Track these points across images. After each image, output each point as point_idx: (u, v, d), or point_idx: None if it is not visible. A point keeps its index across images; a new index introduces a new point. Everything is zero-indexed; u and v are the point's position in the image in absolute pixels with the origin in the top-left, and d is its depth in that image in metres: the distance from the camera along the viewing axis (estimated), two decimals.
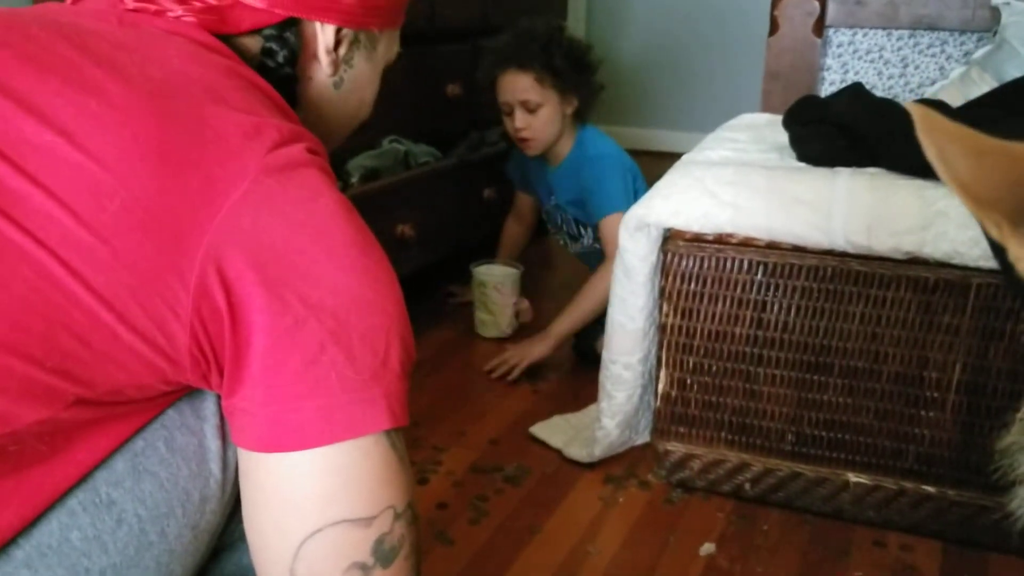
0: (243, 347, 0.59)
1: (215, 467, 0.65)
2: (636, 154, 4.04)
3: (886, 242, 1.29)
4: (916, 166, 1.34)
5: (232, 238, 0.58)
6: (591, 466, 1.58)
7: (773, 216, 1.34)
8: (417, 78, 2.13)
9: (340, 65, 0.79)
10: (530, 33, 1.97)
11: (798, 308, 1.37)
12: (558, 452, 1.62)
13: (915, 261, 1.30)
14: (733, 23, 3.93)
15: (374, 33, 0.80)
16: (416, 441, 1.65)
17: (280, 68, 0.74)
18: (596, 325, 1.90)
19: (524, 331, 2.15)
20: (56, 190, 0.56)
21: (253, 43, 0.73)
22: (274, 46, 0.73)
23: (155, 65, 0.62)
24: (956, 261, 1.27)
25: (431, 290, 2.33)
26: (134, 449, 0.62)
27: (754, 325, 1.40)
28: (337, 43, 0.77)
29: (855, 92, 1.46)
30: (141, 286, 0.57)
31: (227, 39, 0.71)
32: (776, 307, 1.38)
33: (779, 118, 1.71)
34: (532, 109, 1.94)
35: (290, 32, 0.74)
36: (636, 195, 2.01)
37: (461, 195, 2.24)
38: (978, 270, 1.27)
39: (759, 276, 1.38)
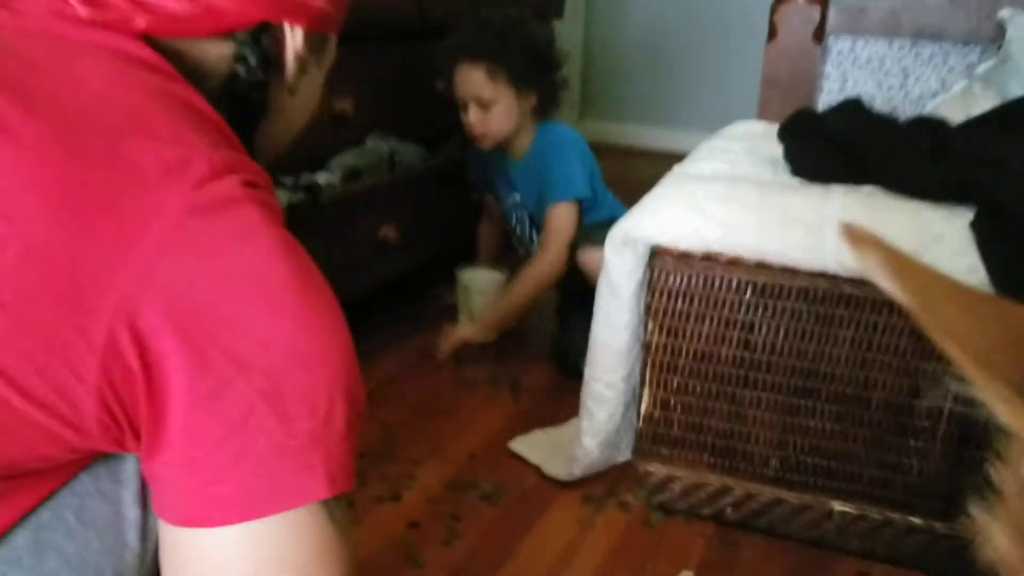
0: (160, 411, 0.53)
1: (133, 538, 0.59)
2: (632, 152, 4.04)
3: None
4: (913, 186, 1.29)
5: (147, 289, 0.52)
6: (570, 484, 1.53)
7: (764, 235, 1.29)
8: (405, 74, 2.07)
9: (298, 69, 0.74)
10: (486, 25, 1.90)
11: (787, 330, 1.32)
12: (537, 468, 1.57)
13: None
14: (733, 20, 3.87)
15: (327, 37, 0.76)
16: (392, 453, 1.60)
17: (252, 73, 0.70)
18: (581, 341, 1.85)
19: (508, 337, 2.10)
20: None
21: (220, 48, 0.68)
22: (247, 51, 0.69)
23: (70, 89, 0.56)
24: None
25: (416, 292, 2.28)
26: (39, 521, 0.56)
27: (741, 346, 1.35)
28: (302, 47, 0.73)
29: (853, 107, 1.41)
30: (39, 351, 0.51)
31: (190, 43, 0.66)
32: (764, 328, 1.33)
33: (775, 127, 1.66)
34: (485, 105, 1.88)
35: (264, 36, 0.69)
36: (595, 195, 1.98)
37: (447, 196, 2.19)
38: None
39: (748, 296, 1.33)
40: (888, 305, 1.26)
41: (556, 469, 1.54)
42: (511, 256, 2.22)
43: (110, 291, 0.51)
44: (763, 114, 1.79)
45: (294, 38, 0.71)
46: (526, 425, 1.72)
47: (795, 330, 1.32)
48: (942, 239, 1.22)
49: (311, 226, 1.71)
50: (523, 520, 1.44)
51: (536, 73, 1.89)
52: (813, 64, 1.75)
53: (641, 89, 4.12)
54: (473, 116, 1.89)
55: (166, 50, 0.65)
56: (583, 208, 1.94)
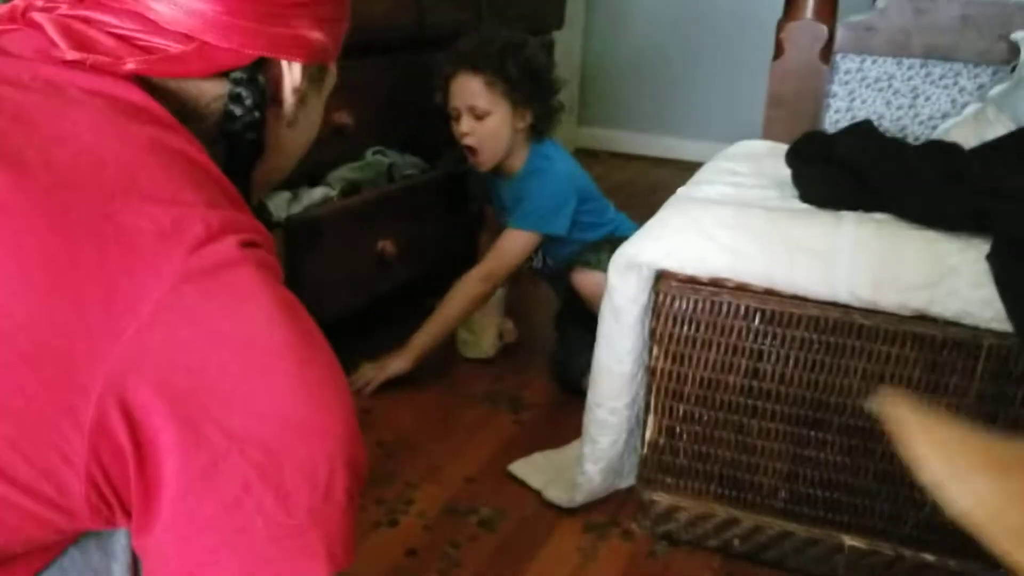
0: (152, 488, 0.50)
1: None
2: (633, 159, 4.02)
3: (893, 298, 1.21)
4: (927, 215, 1.26)
5: (138, 363, 0.49)
6: (571, 511, 1.49)
7: (773, 264, 1.25)
8: (405, 86, 2.04)
9: (297, 102, 0.71)
10: (489, 37, 1.88)
11: (796, 360, 1.29)
12: (537, 493, 1.54)
13: (923, 318, 1.22)
14: (732, 29, 3.85)
15: (325, 66, 0.73)
16: (389, 475, 1.57)
17: (249, 112, 0.66)
18: (582, 359, 1.82)
19: (508, 352, 2.07)
20: None
21: (215, 87, 0.65)
22: (243, 91, 0.65)
23: (61, 145, 0.53)
24: (967, 321, 1.19)
25: (414, 303, 2.24)
26: None
27: (749, 375, 1.32)
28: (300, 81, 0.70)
29: (864, 131, 1.38)
30: (24, 434, 0.48)
31: (184, 83, 0.63)
32: (773, 357, 1.30)
33: (781, 147, 1.63)
34: (479, 116, 1.85)
35: (260, 74, 0.66)
36: (588, 214, 1.94)
37: (446, 208, 2.15)
38: (990, 331, 1.19)
39: (756, 323, 1.30)
40: (901, 336, 1.23)
41: (557, 494, 1.51)
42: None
43: (98, 368, 0.49)
44: (768, 133, 1.76)
45: (292, 73, 0.68)
46: (526, 444, 1.69)
47: (805, 359, 1.29)
48: (957, 271, 1.19)
49: (308, 241, 1.68)
50: (523, 549, 1.41)
51: (534, 92, 1.87)
52: (820, 83, 1.72)
53: (640, 96, 4.09)
54: (465, 125, 1.86)
55: (158, 90, 0.62)
56: (567, 230, 1.91)
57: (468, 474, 1.60)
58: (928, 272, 1.20)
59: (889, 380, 1.25)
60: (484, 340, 2.03)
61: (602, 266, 1.78)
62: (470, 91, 1.84)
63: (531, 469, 1.59)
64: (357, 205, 1.80)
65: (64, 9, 0.61)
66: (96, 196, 0.51)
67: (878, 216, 1.29)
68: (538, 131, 1.92)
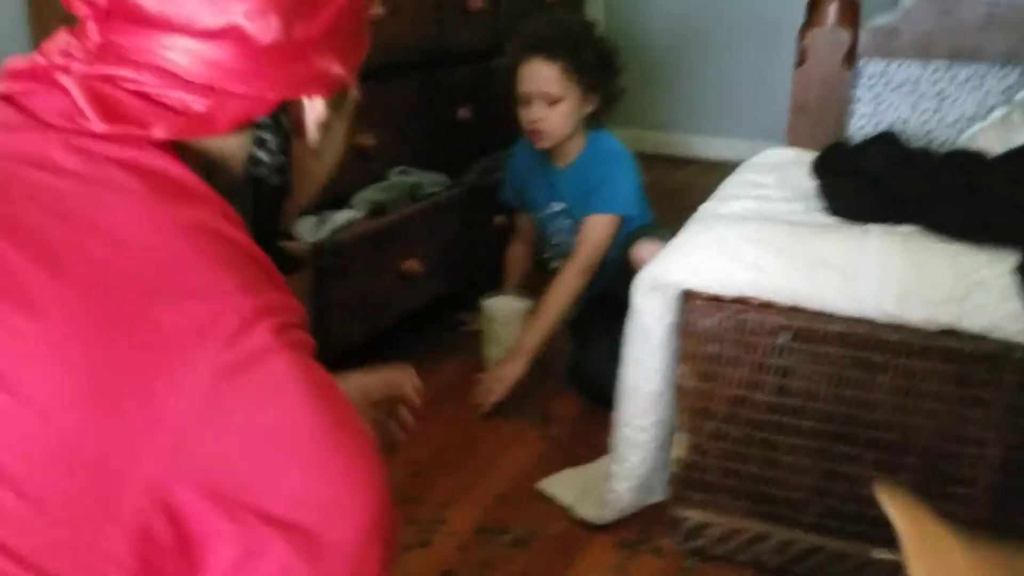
0: None
1: None
2: (655, 159, 3.99)
3: (919, 313, 1.20)
4: (953, 228, 1.25)
5: (178, 462, 0.51)
6: (602, 528, 1.50)
7: (798, 280, 1.25)
8: (426, 103, 2.05)
9: (321, 129, 0.71)
10: (563, 24, 1.92)
11: (823, 375, 1.29)
12: (568, 511, 1.55)
13: (951, 332, 1.21)
14: (751, 27, 3.82)
15: (345, 92, 0.73)
16: (420, 496, 1.58)
17: (274, 156, 0.66)
18: (612, 370, 1.82)
19: (535, 366, 2.07)
20: None
21: (239, 137, 0.65)
22: (266, 135, 0.66)
23: (99, 239, 0.54)
24: (995, 335, 1.18)
25: (441, 319, 2.25)
26: None
27: (776, 391, 1.31)
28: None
29: (887, 142, 1.37)
30: (69, 541, 0.50)
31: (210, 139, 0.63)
32: (800, 373, 1.30)
33: (807, 155, 1.62)
34: (552, 102, 1.87)
35: (284, 116, 0.66)
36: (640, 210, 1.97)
37: (470, 223, 2.16)
38: (1019, 344, 1.18)
39: (782, 340, 1.30)
40: (929, 350, 1.23)
41: (587, 511, 1.51)
42: (540, 276, 2.18)
43: (140, 471, 0.50)
44: (793, 140, 1.74)
45: (314, 108, 0.68)
46: (555, 460, 1.69)
47: (832, 375, 1.28)
48: (984, 285, 1.18)
49: (335, 264, 1.69)
50: (557, 567, 1.42)
51: (602, 78, 1.90)
52: (844, 89, 1.70)
53: (661, 95, 4.07)
54: (537, 112, 1.88)
55: (186, 149, 0.62)
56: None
57: (499, 491, 1.61)
58: (955, 286, 1.19)
59: (917, 394, 1.25)
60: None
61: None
62: (545, 78, 1.86)
63: (561, 486, 1.60)
64: (382, 227, 1.82)
65: (84, 66, 0.61)
66: (134, 295, 0.52)
67: (903, 229, 1.28)
68: (596, 118, 1.95)
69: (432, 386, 1.97)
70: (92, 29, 0.62)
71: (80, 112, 0.58)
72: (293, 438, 0.54)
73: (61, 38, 0.64)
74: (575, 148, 1.96)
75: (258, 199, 0.68)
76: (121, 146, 0.58)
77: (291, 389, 0.54)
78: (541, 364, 2.07)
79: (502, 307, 2.02)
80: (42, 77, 0.61)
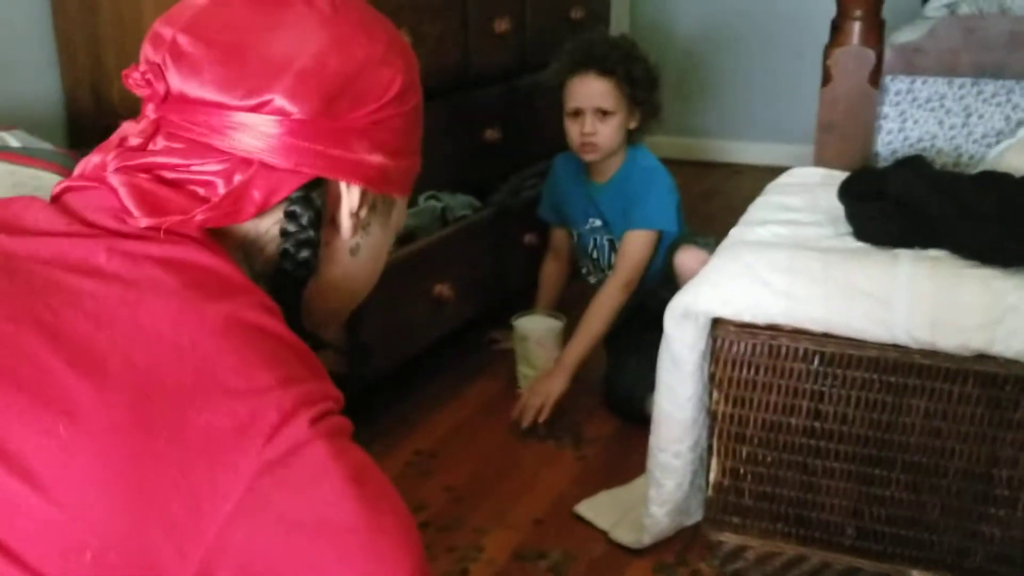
0: None
1: None
2: (683, 165, 4.00)
3: (952, 338, 1.21)
4: (983, 251, 1.26)
5: (221, 562, 0.52)
6: (640, 552, 1.51)
7: (830, 308, 1.26)
8: (453, 126, 2.07)
9: (359, 230, 0.73)
10: (610, 40, 1.98)
11: (857, 400, 1.30)
12: (605, 534, 1.56)
13: (984, 356, 1.22)
14: (774, 32, 3.82)
15: (391, 199, 0.75)
16: (457, 521, 1.60)
17: (303, 231, 0.68)
18: (643, 385, 1.84)
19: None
20: (21, 553, 0.50)
21: (272, 215, 0.68)
22: (298, 208, 0.67)
23: (141, 343, 0.56)
24: None
25: (472, 340, 2.27)
26: None
27: (811, 416, 1.33)
28: (359, 206, 0.72)
29: (915, 165, 1.37)
30: None
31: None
32: (834, 398, 1.31)
33: (834, 175, 1.63)
34: (605, 115, 1.92)
35: (316, 193, 0.68)
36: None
37: (500, 244, 2.18)
38: None
39: (815, 365, 1.31)
40: (962, 374, 1.23)
41: (624, 535, 1.53)
42: (574, 293, 2.20)
43: (186, 571, 0.52)
44: (820, 159, 1.75)
45: (350, 196, 0.70)
46: (591, 481, 1.71)
47: (866, 399, 1.29)
48: (1017, 309, 1.18)
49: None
50: None
51: (647, 94, 1.94)
52: (870, 107, 1.71)
53: (687, 101, 4.07)
54: (590, 126, 1.92)
55: (224, 236, 0.65)
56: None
57: (535, 516, 1.63)
58: (987, 312, 1.20)
59: (952, 418, 1.25)
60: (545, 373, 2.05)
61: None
62: (599, 92, 1.91)
63: (597, 509, 1.61)
64: (413, 254, 1.84)
65: (131, 158, 0.65)
66: (175, 398, 0.54)
67: (933, 253, 1.29)
68: (635, 134, 1.99)
69: (466, 408, 1.99)
70: (150, 108, 0.66)
71: (126, 209, 0.62)
72: (332, 528, 0.55)
73: (123, 128, 0.67)
74: (615, 164, 2.00)
75: (281, 272, 0.70)
76: (160, 245, 0.60)
77: (329, 478, 0.55)
78: (573, 385, 2.09)
79: (535, 326, 2.04)
80: (95, 176, 0.65)
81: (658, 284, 1.91)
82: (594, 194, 2.03)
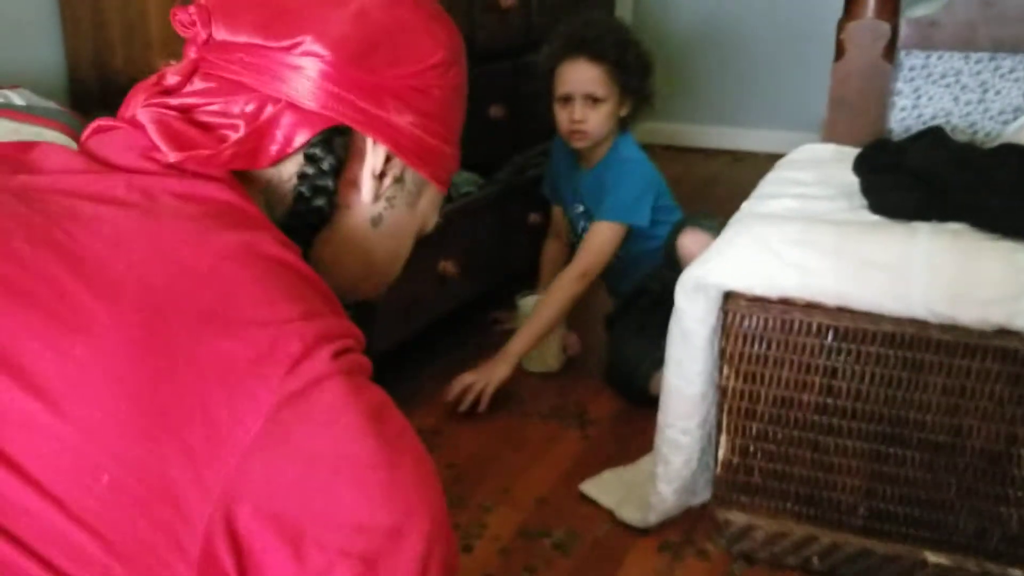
0: None
1: None
2: (686, 152, 3.97)
3: (972, 312, 1.18)
4: (1004, 224, 1.22)
5: (241, 492, 0.51)
6: (645, 531, 1.48)
7: (845, 281, 1.23)
8: None
9: (382, 197, 0.71)
10: (605, 25, 1.93)
11: (872, 376, 1.27)
12: (610, 512, 1.53)
13: (1004, 331, 1.18)
14: (783, 16, 3.78)
15: (420, 179, 0.72)
16: (461, 499, 1.57)
17: (321, 176, 0.66)
18: (646, 363, 1.81)
19: (571, 364, 2.07)
20: (35, 473, 0.49)
21: (294, 163, 0.66)
22: (318, 151, 0.66)
23: (159, 267, 0.54)
24: None
25: (476, 319, 2.24)
26: None
27: (824, 392, 1.29)
28: (383, 174, 0.70)
29: (934, 137, 1.34)
30: (135, 573, 0.50)
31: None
32: (848, 374, 1.28)
33: (846, 150, 1.60)
34: (595, 102, 1.87)
35: (339, 140, 0.67)
36: (659, 211, 1.94)
37: (505, 223, 2.15)
38: None
39: (829, 340, 1.28)
40: (982, 350, 1.20)
41: (630, 514, 1.50)
42: None
43: (204, 501, 0.50)
44: (831, 135, 1.71)
45: (374, 155, 0.68)
46: (595, 461, 1.68)
47: (881, 376, 1.26)
48: None
49: None
50: (600, 571, 1.40)
51: (639, 82, 1.90)
52: (884, 82, 1.67)
53: (690, 87, 4.04)
54: (579, 112, 1.88)
55: (246, 180, 0.64)
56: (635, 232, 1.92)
57: (540, 494, 1.60)
58: (1008, 285, 1.16)
59: (970, 395, 1.22)
60: (548, 354, 2.02)
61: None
62: (590, 78, 1.86)
63: (602, 488, 1.58)
64: None
65: (165, 99, 0.65)
66: (194, 322, 0.53)
67: (953, 226, 1.26)
68: (625, 121, 1.95)
69: None
70: (192, 50, 0.67)
71: (154, 146, 0.62)
72: (351, 464, 0.54)
73: (162, 69, 0.68)
74: (602, 151, 1.96)
75: (294, 216, 0.68)
76: (180, 180, 0.60)
77: (348, 414, 0.54)
78: (577, 366, 2.06)
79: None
80: (124, 116, 0.66)
81: (660, 265, 1.87)
82: (579, 180, 2.01)
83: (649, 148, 3.96)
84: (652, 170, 1.97)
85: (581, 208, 2.02)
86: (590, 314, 2.22)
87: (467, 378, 1.83)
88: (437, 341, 2.11)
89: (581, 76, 1.86)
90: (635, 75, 1.89)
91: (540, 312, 1.88)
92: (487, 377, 1.82)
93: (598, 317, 2.16)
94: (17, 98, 1.11)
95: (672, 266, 1.83)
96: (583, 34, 1.88)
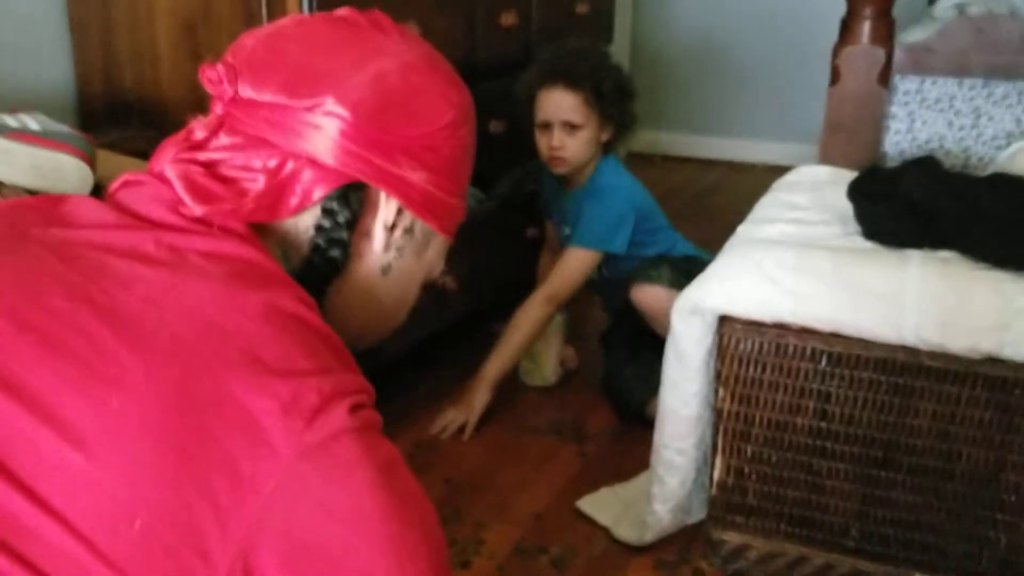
0: None
1: None
2: (685, 162, 4.00)
3: (961, 341, 1.20)
4: (994, 254, 1.25)
5: (261, 539, 0.54)
6: (641, 549, 1.51)
7: (838, 307, 1.25)
8: None
9: (392, 247, 0.73)
10: (582, 53, 1.93)
11: (864, 401, 1.29)
12: (606, 530, 1.55)
13: (993, 359, 1.21)
14: (776, 30, 3.81)
15: (429, 229, 0.75)
16: (457, 514, 1.59)
17: (337, 229, 0.70)
18: (643, 387, 1.84)
19: (569, 378, 2.09)
20: (72, 518, 0.52)
21: (310, 215, 0.69)
22: (335, 206, 0.69)
23: (187, 324, 0.58)
24: None
25: (474, 333, 2.26)
26: None
27: (817, 416, 1.32)
28: (394, 226, 0.73)
29: (927, 166, 1.36)
30: None
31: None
32: (841, 398, 1.30)
33: (842, 173, 1.62)
34: (573, 129, 1.89)
35: (354, 195, 0.70)
36: (647, 233, 1.96)
37: (503, 238, 2.17)
38: None
39: (822, 365, 1.30)
40: (971, 377, 1.23)
41: (626, 532, 1.52)
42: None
43: (227, 548, 0.53)
44: (827, 158, 1.74)
45: (386, 207, 0.71)
46: (592, 478, 1.70)
47: (873, 400, 1.29)
48: None
49: None
50: None
51: (619, 107, 1.91)
52: (879, 107, 1.70)
53: (689, 98, 4.07)
54: (557, 139, 1.90)
55: (265, 232, 0.67)
56: (607, 256, 1.94)
57: (536, 510, 1.62)
58: (997, 314, 1.19)
59: (959, 421, 1.25)
60: (546, 368, 2.05)
61: (662, 280, 1.80)
62: (567, 106, 1.88)
63: (599, 505, 1.61)
64: None
65: (192, 153, 0.68)
66: (220, 376, 0.56)
67: (944, 254, 1.28)
68: (608, 146, 1.96)
69: None
70: (218, 106, 0.70)
71: (180, 200, 0.65)
72: (363, 517, 0.56)
73: (191, 124, 0.71)
74: (583, 176, 1.97)
75: (309, 266, 0.71)
76: (204, 238, 0.63)
77: (363, 469, 0.57)
78: (574, 380, 2.09)
79: None
80: (153, 170, 0.69)
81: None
82: (564, 203, 2.03)
83: (648, 158, 4.03)
84: (634, 196, 1.97)
85: (567, 231, 2.04)
86: (588, 328, 2.25)
87: (449, 415, 1.86)
88: (435, 356, 2.14)
89: (558, 103, 1.88)
90: (613, 102, 1.90)
91: (508, 337, 1.90)
92: (467, 410, 1.85)
93: (594, 330, 2.19)
94: (32, 122, 1.13)
95: (632, 312, 1.87)
96: (560, 62, 1.90)
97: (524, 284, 2.24)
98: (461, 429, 1.85)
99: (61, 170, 1.10)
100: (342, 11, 0.75)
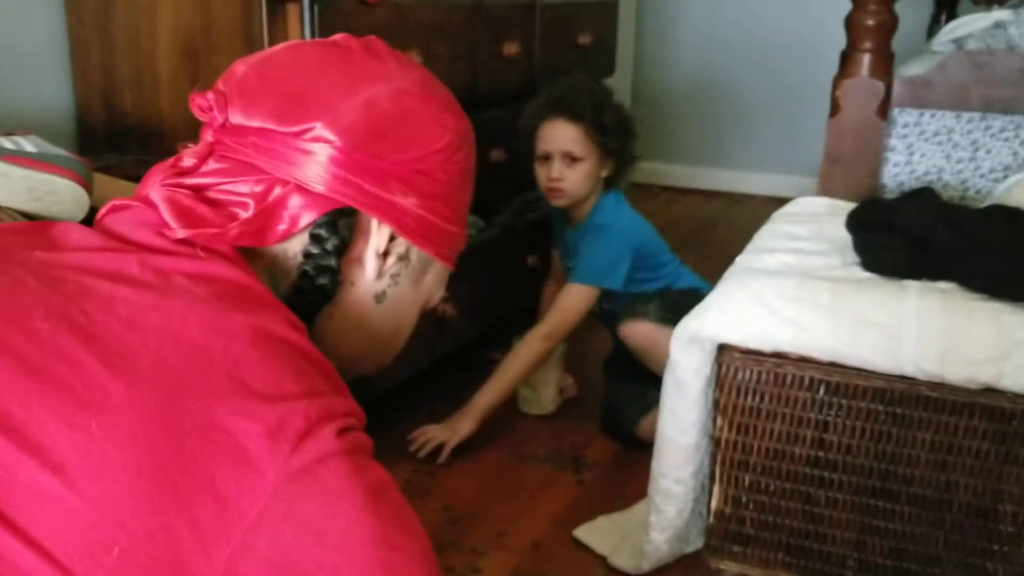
0: None
1: None
2: (686, 193, 4.02)
3: (960, 372, 1.20)
4: (992, 283, 1.25)
5: (247, 565, 0.53)
6: None
7: (837, 337, 1.26)
8: None
9: (385, 275, 0.73)
10: (584, 87, 1.96)
11: (862, 431, 1.29)
12: (603, 559, 1.55)
13: (991, 389, 1.21)
14: (786, 58, 3.85)
15: (426, 256, 0.75)
16: (455, 543, 1.59)
17: (325, 256, 0.69)
18: (635, 407, 1.85)
19: (568, 407, 2.09)
20: (49, 546, 0.51)
21: (299, 240, 0.69)
22: (324, 232, 0.69)
23: (172, 348, 0.57)
24: None
25: (473, 360, 2.26)
26: None
27: (815, 445, 1.32)
28: (387, 253, 0.72)
29: (925, 197, 1.37)
30: None
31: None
32: (839, 428, 1.30)
33: (841, 204, 1.63)
34: (574, 161, 1.90)
35: (343, 221, 0.69)
36: (650, 269, 1.97)
37: (503, 265, 2.18)
38: None
39: (821, 394, 1.30)
40: (969, 408, 1.23)
41: (623, 561, 1.52)
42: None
43: (213, 570, 0.52)
44: (826, 189, 1.75)
45: (378, 234, 0.71)
46: (590, 506, 1.70)
47: (871, 431, 1.29)
48: None
49: None
50: None
51: (622, 142, 1.93)
52: (878, 139, 1.71)
53: (690, 130, 4.11)
54: (557, 171, 1.91)
55: (253, 256, 0.67)
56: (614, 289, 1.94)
57: (534, 539, 1.61)
58: (996, 346, 1.19)
59: (957, 451, 1.25)
60: (544, 396, 2.05)
61: (649, 317, 1.82)
62: (568, 138, 1.90)
63: (596, 534, 1.60)
64: None
65: (179, 179, 0.68)
66: (205, 400, 0.55)
67: (942, 286, 1.29)
68: (610, 181, 1.97)
69: None
70: (208, 133, 0.70)
71: (165, 223, 0.64)
72: (351, 542, 0.55)
73: (181, 151, 0.71)
74: (586, 209, 1.99)
75: (297, 293, 0.71)
76: (191, 260, 0.62)
77: (351, 492, 0.56)
78: (573, 408, 2.09)
79: None
80: (139, 195, 0.69)
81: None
82: (567, 237, 2.05)
83: (650, 188, 4.05)
84: (634, 233, 1.97)
85: (571, 264, 2.05)
86: (588, 356, 2.25)
87: (431, 431, 1.86)
88: (436, 381, 2.14)
89: (559, 135, 1.90)
90: (614, 136, 1.91)
91: (504, 370, 1.91)
92: (450, 432, 1.85)
93: (596, 359, 2.19)
94: (28, 145, 1.13)
95: (622, 347, 1.88)
96: (562, 95, 1.92)
97: (525, 312, 2.25)
98: (437, 451, 1.83)
99: (57, 193, 1.09)
100: (337, 37, 0.75)
